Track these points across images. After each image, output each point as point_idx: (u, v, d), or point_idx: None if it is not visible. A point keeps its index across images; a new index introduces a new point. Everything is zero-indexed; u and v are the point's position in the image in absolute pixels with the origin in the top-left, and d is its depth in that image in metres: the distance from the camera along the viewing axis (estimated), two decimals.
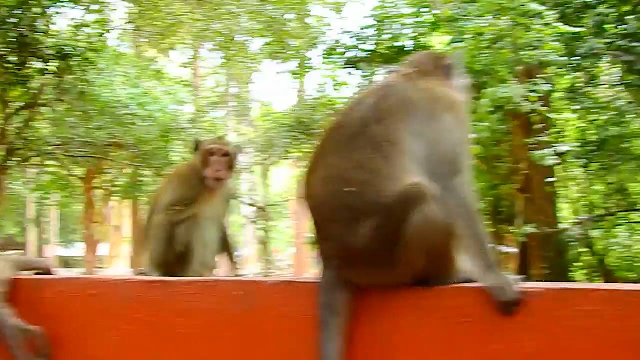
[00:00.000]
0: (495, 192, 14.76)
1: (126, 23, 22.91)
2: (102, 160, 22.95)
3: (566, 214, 18.19)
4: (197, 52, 30.24)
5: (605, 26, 13.77)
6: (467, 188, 2.89)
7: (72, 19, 16.18)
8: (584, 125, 16.83)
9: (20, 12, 13.05)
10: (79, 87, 14.91)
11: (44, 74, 14.19)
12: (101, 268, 35.68)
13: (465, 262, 2.84)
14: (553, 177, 14.86)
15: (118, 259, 39.24)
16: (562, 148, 13.87)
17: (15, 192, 29.50)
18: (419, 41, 16.90)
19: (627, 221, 17.60)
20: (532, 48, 12.51)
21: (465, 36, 13.40)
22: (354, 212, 2.82)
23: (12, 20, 13.02)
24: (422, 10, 17.13)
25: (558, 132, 15.25)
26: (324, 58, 19.02)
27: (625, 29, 13.57)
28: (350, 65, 17.95)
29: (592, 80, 15.10)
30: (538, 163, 13.00)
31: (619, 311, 2.58)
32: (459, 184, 2.86)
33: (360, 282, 2.91)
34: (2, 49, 13.65)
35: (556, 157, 13.07)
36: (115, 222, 38.27)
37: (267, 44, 24.19)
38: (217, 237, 6.03)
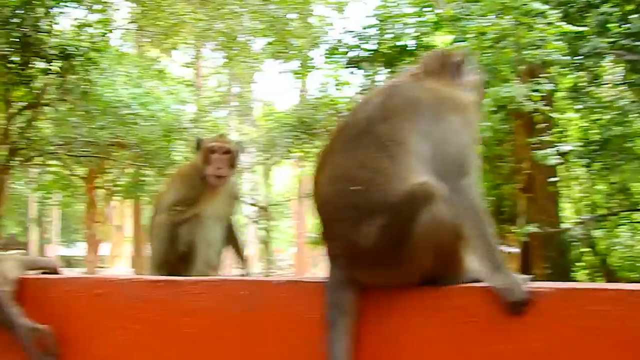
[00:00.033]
0: (497, 192, 14.75)
1: (129, 23, 22.91)
2: (104, 160, 22.96)
3: (568, 214, 18.18)
4: (199, 52, 30.26)
5: (609, 25, 13.76)
6: (475, 189, 2.87)
7: (75, 19, 16.19)
8: (586, 124, 16.81)
9: (24, 12, 13.05)
10: (82, 86, 14.91)
11: (47, 74, 14.19)
12: (102, 267, 35.69)
13: (472, 262, 2.83)
14: (555, 176, 14.86)
15: (119, 259, 39.27)
16: (565, 147, 13.86)
17: (17, 191, 29.51)
18: (422, 41, 16.89)
19: (629, 221, 17.58)
20: (534, 47, 12.50)
21: (468, 35, 13.40)
22: (360, 211, 2.82)
23: (15, 20, 13.04)
24: (424, 9, 17.12)
25: (561, 132, 15.24)
26: (326, 57, 19.02)
27: (628, 28, 13.56)
28: (353, 65, 17.94)
29: (595, 80, 15.09)
30: (540, 162, 12.99)
31: (627, 311, 2.57)
32: (466, 185, 2.85)
33: (367, 282, 2.91)
34: (5, 49, 13.66)
35: (558, 156, 13.06)
36: (117, 221, 38.29)
37: (270, 43, 24.18)
38: (221, 236, 6.03)
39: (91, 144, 19.96)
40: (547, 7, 12.50)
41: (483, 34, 12.81)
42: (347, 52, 17.85)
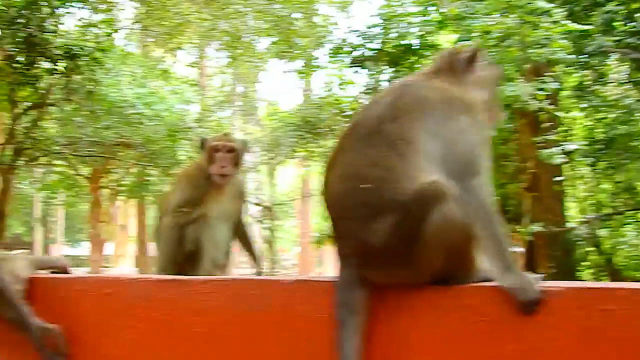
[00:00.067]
0: (502, 191, 14.72)
1: (133, 23, 22.94)
2: (109, 160, 22.98)
3: (573, 213, 18.15)
4: (203, 52, 30.27)
5: (614, 23, 13.73)
6: (485, 189, 2.87)
7: (80, 19, 16.22)
8: (591, 123, 16.79)
9: (29, 12, 13.07)
10: (87, 86, 14.93)
11: (52, 74, 14.21)
12: (107, 267, 35.72)
13: (483, 262, 2.83)
14: (561, 175, 14.84)
15: (124, 258, 39.28)
16: (570, 146, 13.84)
17: (22, 191, 29.54)
18: (426, 40, 16.87)
19: (634, 220, 17.54)
20: (539, 46, 12.47)
21: (473, 34, 13.37)
22: (370, 209, 2.82)
23: (20, 20, 13.05)
24: (428, 8, 17.10)
25: (566, 131, 15.22)
26: (330, 57, 19.01)
27: (634, 27, 13.53)
28: (357, 64, 17.93)
29: (601, 78, 15.04)
30: (546, 162, 12.97)
31: (638, 310, 2.57)
32: (477, 184, 2.84)
33: (377, 281, 2.91)
34: (10, 49, 13.69)
35: (563, 155, 13.04)
36: (121, 221, 38.30)
37: (274, 43, 24.17)
38: (228, 235, 6.03)
39: (96, 144, 19.98)
40: (552, 5, 12.47)
41: (488, 32, 12.78)
42: (351, 52, 17.83)
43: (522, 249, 14.64)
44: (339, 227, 2.98)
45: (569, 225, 15.68)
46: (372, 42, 17.51)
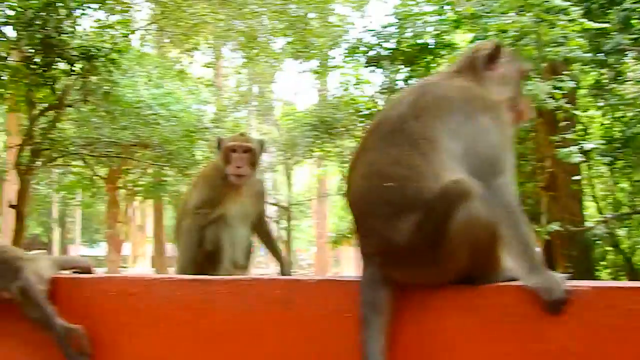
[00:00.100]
0: (519, 190, 14.59)
1: (149, 24, 22.99)
2: (126, 160, 23.05)
3: (591, 212, 18.05)
4: (219, 52, 30.31)
5: (631, 21, 13.64)
6: (509, 188, 2.87)
7: (97, 20, 16.26)
8: (609, 122, 16.69)
9: (46, 14, 13.11)
10: (104, 87, 14.98)
11: (69, 75, 14.25)
12: (124, 267, 35.84)
13: (508, 261, 2.82)
14: (579, 174, 14.76)
15: (141, 259, 39.41)
16: (588, 145, 13.77)
17: (39, 192, 29.69)
18: (442, 39, 16.84)
19: None
20: (556, 44, 12.41)
21: (489, 33, 13.32)
22: (393, 208, 2.82)
23: (37, 22, 13.10)
24: (444, 7, 17.06)
25: (583, 130, 15.15)
26: (346, 57, 18.99)
27: None
28: (373, 64, 17.91)
29: (618, 77, 14.93)
30: (564, 160, 12.91)
31: None
32: (502, 184, 2.84)
33: (401, 280, 2.91)
34: (28, 51, 13.75)
35: (581, 154, 12.97)
36: (139, 221, 38.43)
37: (290, 42, 24.16)
38: (248, 235, 6.04)
39: (113, 144, 20.06)
40: (568, 3, 12.40)
41: (504, 31, 12.73)
42: (367, 51, 17.81)
43: (539, 249, 14.57)
44: (362, 226, 2.99)
45: (586, 224, 15.60)
46: (387, 41, 17.48)
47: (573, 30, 12.33)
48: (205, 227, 5.76)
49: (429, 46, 16.84)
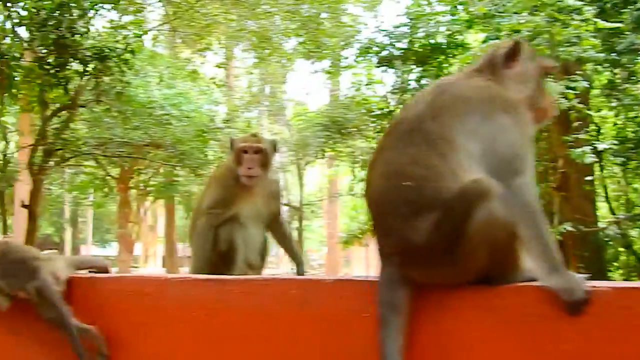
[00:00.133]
0: None
1: (162, 24, 23.04)
2: (138, 160, 23.12)
3: (603, 213, 17.97)
4: (231, 52, 30.34)
5: None
6: (529, 188, 2.84)
7: (110, 21, 16.31)
8: (622, 122, 16.62)
9: (59, 15, 13.15)
10: (117, 88, 15.01)
11: (82, 75, 14.29)
12: (135, 267, 35.95)
13: (528, 261, 2.80)
14: (591, 175, 14.71)
15: (152, 259, 39.52)
16: (600, 146, 13.72)
17: (51, 192, 29.81)
18: (454, 39, 16.82)
19: None
20: (569, 44, 12.36)
21: (501, 33, 13.29)
22: (412, 207, 2.81)
23: (51, 22, 13.14)
24: (457, 7, 17.03)
25: (596, 130, 15.09)
26: (358, 57, 18.98)
27: None
28: (385, 64, 17.90)
29: (631, 77, 14.85)
30: (576, 161, 12.86)
31: None
32: (522, 183, 2.82)
33: (420, 279, 2.89)
34: (41, 51, 13.80)
35: (594, 155, 12.93)
36: (150, 221, 38.52)
37: (302, 43, 24.16)
38: (261, 235, 6.04)
39: (126, 145, 20.12)
40: (582, 3, 12.36)
41: (517, 31, 12.68)
42: (379, 51, 17.80)
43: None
44: (380, 225, 2.98)
45: (599, 225, 15.55)
46: (400, 41, 17.48)
47: (586, 30, 12.28)
48: (218, 227, 5.76)
49: (442, 46, 16.82)
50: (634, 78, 14.81)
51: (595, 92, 15.69)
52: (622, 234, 16.03)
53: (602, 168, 15.94)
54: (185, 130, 20.27)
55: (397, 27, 17.54)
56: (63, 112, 15.43)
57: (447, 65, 16.65)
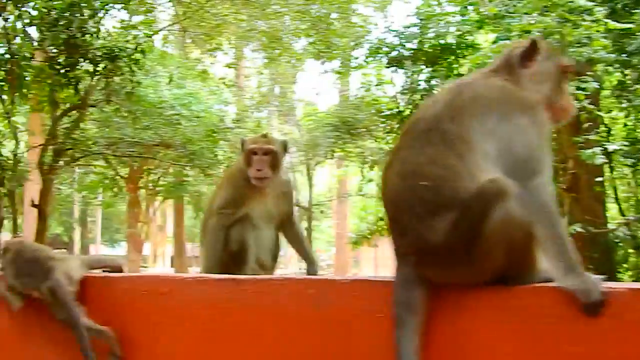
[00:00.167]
0: None
1: (172, 24, 23.07)
2: (148, 160, 23.16)
3: (613, 214, 17.91)
4: (241, 52, 30.35)
5: None
6: (546, 189, 2.83)
7: (121, 21, 16.35)
8: (632, 123, 16.56)
9: (70, 15, 13.17)
10: (127, 88, 15.02)
11: (93, 75, 14.31)
12: (144, 267, 36.00)
13: (544, 262, 2.80)
14: (602, 176, 14.66)
15: (161, 258, 39.58)
16: (611, 147, 13.67)
17: (61, 191, 29.88)
18: (465, 39, 16.79)
19: None
20: (580, 45, 12.33)
21: (512, 34, 13.26)
22: (429, 207, 2.80)
23: (62, 22, 13.15)
24: (467, 7, 17.00)
25: (607, 131, 15.04)
26: (368, 57, 18.95)
27: None
28: (395, 64, 17.87)
29: None
30: (587, 162, 12.82)
31: None
32: (539, 184, 2.81)
33: (436, 280, 2.89)
34: (52, 51, 13.82)
35: (604, 156, 12.88)
36: (159, 221, 38.56)
37: (312, 43, 24.15)
38: (273, 236, 6.03)
39: (136, 144, 20.17)
40: (593, 4, 12.31)
41: (527, 32, 12.64)
42: (389, 52, 17.77)
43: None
44: (397, 225, 2.97)
45: (609, 226, 15.50)
46: (410, 42, 17.45)
47: (597, 31, 12.24)
48: (229, 227, 5.76)
49: (452, 47, 16.79)
50: None
51: (605, 93, 15.63)
52: (632, 235, 15.94)
53: (612, 169, 15.89)
54: (195, 130, 20.30)
55: (407, 27, 17.51)
56: (73, 112, 15.45)
57: (457, 65, 16.62)
